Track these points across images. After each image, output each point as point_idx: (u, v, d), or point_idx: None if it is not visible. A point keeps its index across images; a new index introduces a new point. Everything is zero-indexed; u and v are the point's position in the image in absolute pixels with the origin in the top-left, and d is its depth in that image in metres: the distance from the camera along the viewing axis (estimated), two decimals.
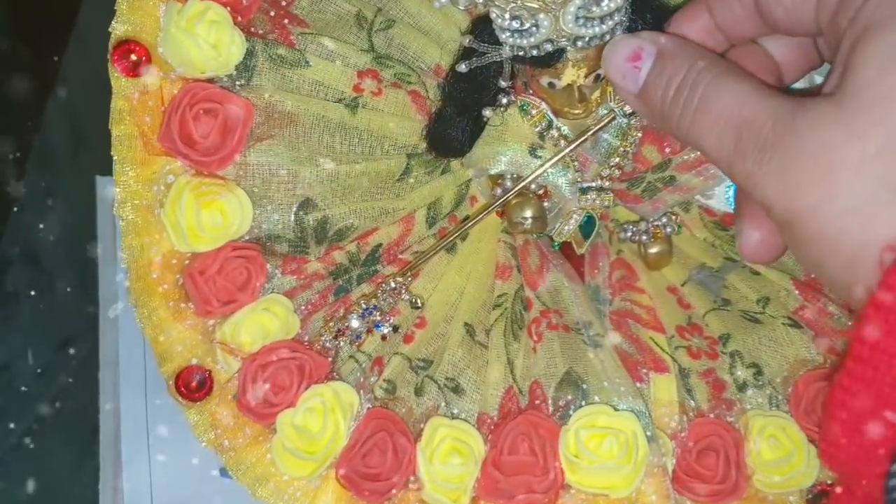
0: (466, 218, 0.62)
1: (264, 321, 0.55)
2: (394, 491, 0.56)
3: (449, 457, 0.56)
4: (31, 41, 0.84)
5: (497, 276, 0.61)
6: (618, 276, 0.63)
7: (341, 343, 0.58)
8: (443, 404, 0.58)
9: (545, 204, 0.60)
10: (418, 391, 0.58)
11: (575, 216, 0.62)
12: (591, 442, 0.56)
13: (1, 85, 0.79)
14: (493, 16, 0.51)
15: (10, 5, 0.87)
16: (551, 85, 0.56)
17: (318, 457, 0.55)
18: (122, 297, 0.71)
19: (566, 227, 0.62)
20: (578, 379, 0.58)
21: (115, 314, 0.72)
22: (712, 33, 0.47)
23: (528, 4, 0.50)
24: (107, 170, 0.55)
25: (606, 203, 0.61)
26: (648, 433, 0.56)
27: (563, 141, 0.58)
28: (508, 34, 0.51)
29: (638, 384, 0.58)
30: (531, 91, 0.58)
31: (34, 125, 0.82)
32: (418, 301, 0.60)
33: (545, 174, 0.58)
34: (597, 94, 0.56)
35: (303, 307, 0.58)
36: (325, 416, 0.55)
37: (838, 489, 0.39)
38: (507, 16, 0.50)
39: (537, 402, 0.58)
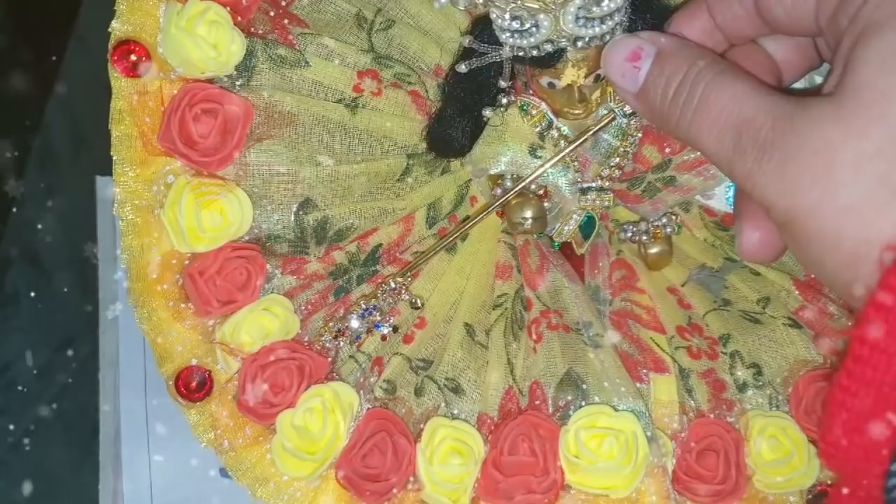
0: (466, 218, 0.62)
1: (264, 321, 0.55)
2: (394, 491, 0.56)
3: (449, 457, 0.56)
4: (31, 41, 0.84)
5: (497, 276, 0.61)
6: (618, 276, 0.63)
7: (341, 343, 0.58)
8: (443, 405, 0.58)
9: (545, 204, 0.60)
10: (418, 391, 0.58)
11: (575, 216, 0.62)
12: (591, 442, 0.56)
13: (1, 85, 0.79)
14: (493, 16, 0.51)
15: (10, 5, 0.87)
16: (551, 85, 0.56)
17: (318, 457, 0.55)
18: (122, 297, 0.71)
19: (566, 228, 0.62)
20: (578, 379, 0.58)
21: (113, 315, 0.72)
22: (712, 33, 0.47)
23: (528, 5, 0.50)
24: (107, 170, 0.54)
25: (606, 203, 0.61)
26: (648, 433, 0.56)
27: (563, 141, 0.58)
28: (508, 34, 0.51)
29: (638, 384, 0.58)
30: (531, 91, 0.58)
31: (34, 125, 0.82)
32: (418, 301, 0.60)
33: (545, 174, 0.58)
34: (597, 94, 0.56)
35: (303, 307, 0.58)
36: (325, 416, 0.55)
37: (843, 490, 0.39)
38: (507, 16, 0.50)
39: (537, 402, 0.57)
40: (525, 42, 0.51)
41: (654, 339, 0.60)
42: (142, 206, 0.54)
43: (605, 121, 0.56)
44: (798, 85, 0.50)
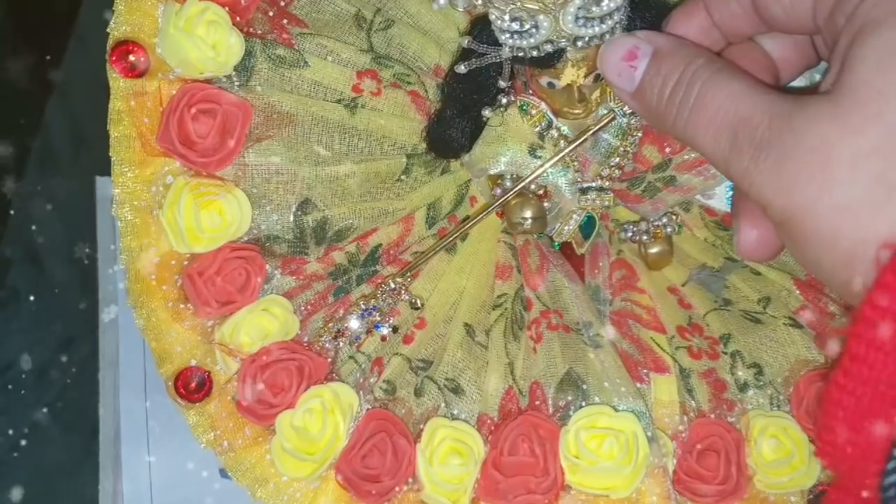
0: (466, 218, 0.62)
1: (263, 322, 0.55)
2: (395, 491, 0.56)
3: (449, 457, 0.55)
4: (31, 41, 0.84)
5: (497, 276, 0.61)
6: (618, 276, 0.63)
7: (341, 344, 0.58)
8: (442, 405, 0.58)
9: (545, 204, 0.60)
10: (418, 392, 0.58)
11: (575, 216, 0.62)
12: (591, 442, 0.55)
13: (1, 84, 0.79)
14: (492, 17, 0.51)
15: (10, 5, 0.87)
16: (551, 85, 0.56)
17: (318, 458, 0.55)
18: (122, 298, 0.71)
19: (566, 228, 0.62)
20: (579, 379, 0.58)
21: (110, 317, 0.72)
22: (709, 31, 0.47)
23: (528, 6, 0.50)
24: (107, 170, 0.54)
25: (607, 203, 0.61)
26: (649, 434, 0.56)
27: (562, 141, 0.58)
28: (508, 35, 0.51)
29: (638, 384, 0.58)
30: (531, 91, 0.58)
31: (34, 125, 0.82)
32: (418, 301, 0.59)
33: (545, 174, 0.58)
34: (596, 94, 0.56)
35: (302, 308, 0.57)
36: (325, 416, 0.55)
37: (840, 488, 0.39)
38: (506, 17, 0.50)
39: (537, 402, 0.57)
40: (525, 43, 0.51)
41: (655, 339, 0.60)
42: (141, 207, 0.54)
43: (605, 120, 0.56)
44: (798, 83, 0.50)
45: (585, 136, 0.56)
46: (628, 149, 0.59)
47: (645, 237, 0.63)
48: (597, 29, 0.50)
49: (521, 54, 0.52)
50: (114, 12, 0.53)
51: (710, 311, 0.61)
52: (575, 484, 0.56)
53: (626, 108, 0.56)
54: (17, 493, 0.70)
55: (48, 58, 0.82)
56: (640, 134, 0.59)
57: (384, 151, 0.58)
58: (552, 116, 0.58)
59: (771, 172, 0.38)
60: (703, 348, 0.60)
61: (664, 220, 0.62)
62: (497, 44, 0.52)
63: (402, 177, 0.58)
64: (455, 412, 0.58)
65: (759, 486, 0.58)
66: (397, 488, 0.56)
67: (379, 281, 0.59)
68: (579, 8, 0.49)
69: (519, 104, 0.58)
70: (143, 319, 0.55)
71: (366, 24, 0.57)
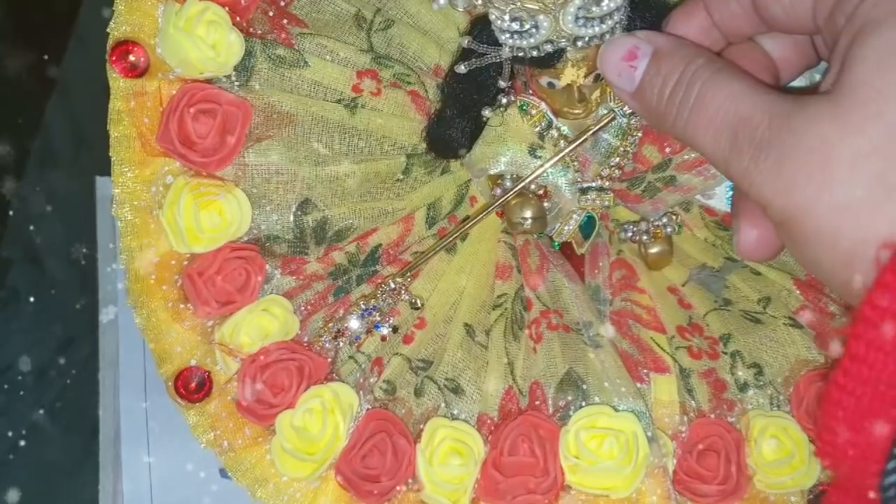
0: (466, 218, 0.62)
1: (263, 322, 0.55)
2: (395, 491, 0.56)
3: (449, 458, 0.55)
4: (31, 41, 0.84)
5: (497, 276, 0.61)
6: (618, 276, 0.63)
7: (341, 344, 0.58)
8: (442, 405, 0.58)
9: (545, 204, 0.60)
10: (418, 392, 0.58)
11: (575, 216, 0.62)
12: (591, 443, 0.55)
13: (1, 85, 0.79)
14: (492, 17, 0.51)
15: (10, 5, 0.87)
16: (551, 85, 0.56)
17: (318, 458, 0.55)
18: (122, 298, 0.71)
19: (566, 228, 0.62)
20: (579, 379, 0.58)
21: (110, 317, 0.72)
22: (709, 31, 0.47)
23: (528, 6, 0.50)
24: (107, 170, 0.54)
25: (607, 203, 0.61)
26: (649, 434, 0.56)
27: (562, 141, 0.58)
28: (508, 35, 0.51)
29: (638, 384, 0.58)
30: (531, 91, 0.58)
31: (34, 125, 0.82)
32: (418, 301, 0.59)
33: (545, 174, 0.58)
34: (596, 93, 0.56)
35: (302, 308, 0.57)
36: (325, 417, 0.55)
37: (840, 488, 0.39)
38: (506, 17, 0.50)
39: (537, 402, 0.57)
40: (525, 43, 0.51)
41: (655, 339, 0.60)
42: (140, 207, 0.54)
43: (605, 120, 0.56)
44: (798, 82, 0.50)
45: (585, 136, 0.56)
46: (628, 149, 0.59)
47: (645, 237, 0.63)
48: (597, 29, 0.50)
49: (521, 54, 0.52)
50: (113, 12, 0.53)
51: (710, 311, 0.61)
52: (575, 484, 0.56)
53: (626, 108, 0.56)
54: (17, 494, 0.70)
55: (48, 57, 0.82)
56: (640, 134, 0.59)
57: (384, 151, 0.58)
58: (552, 116, 0.58)
59: (771, 172, 0.38)
60: (704, 348, 0.60)
61: (664, 220, 0.62)
62: (497, 44, 0.52)
63: (402, 177, 0.58)
64: (455, 412, 0.57)
65: (759, 487, 0.57)
66: (397, 488, 0.56)
67: (379, 281, 0.59)
68: (579, 8, 0.49)
69: (519, 104, 0.58)
70: (142, 319, 0.55)
71: (366, 24, 0.57)
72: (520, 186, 0.58)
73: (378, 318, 0.58)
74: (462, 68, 0.54)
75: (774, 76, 0.46)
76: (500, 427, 0.56)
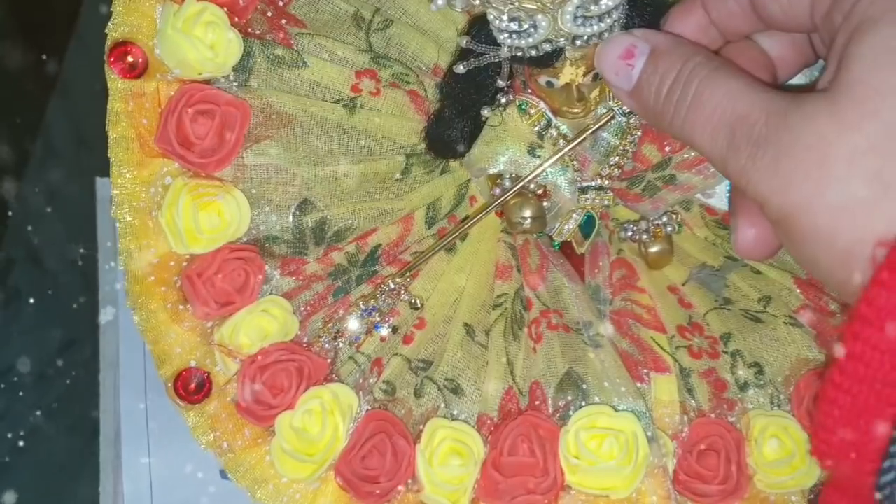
0: (466, 218, 0.62)
1: (263, 323, 0.55)
2: (395, 491, 0.56)
3: (448, 458, 0.55)
4: (31, 41, 0.84)
5: (497, 276, 0.61)
6: (618, 275, 0.62)
7: (340, 344, 0.58)
8: (442, 405, 0.57)
9: (544, 203, 0.60)
10: (418, 392, 0.58)
11: (574, 215, 0.62)
12: (591, 443, 0.55)
13: (1, 85, 0.79)
14: (490, 17, 0.51)
15: (10, 6, 0.87)
16: (550, 84, 0.55)
17: (317, 459, 0.55)
18: (122, 299, 0.71)
19: (566, 227, 0.62)
20: (579, 379, 0.58)
21: (111, 318, 0.72)
22: (707, 29, 0.46)
23: (526, 5, 0.49)
24: (107, 171, 0.54)
25: (606, 202, 0.61)
26: (649, 433, 0.56)
27: (561, 140, 0.58)
28: (506, 35, 0.51)
29: (638, 384, 0.58)
30: (529, 90, 0.57)
31: (34, 125, 0.82)
32: (417, 302, 0.59)
33: (544, 173, 0.58)
34: (595, 92, 0.56)
35: (302, 308, 0.57)
36: (324, 417, 0.55)
37: (835, 487, 0.39)
38: (504, 17, 0.50)
39: (537, 402, 0.57)
40: (523, 42, 0.51)
41: (655, 339, 0.60)
42: (139, 208, 0.54)
43: (604, 119, 0.56)
44: (798, 80, 0.49)
45: (584, 135, 0.56)
46: (628, 147, 0.59)
47: (645, 236, 0.62)
48: (595, 27, 0.50)
49: (519, 54, 0.52)
50: (111, 13, 0.53)
51: (711, 310, 0.61)
52: (575, 484, 0.56)
53: (625, 107, 0.56)
54: (17, 495, 0.70)
55: (48, 57, 0.82)
56: (639, 133, 0.59)
57: (383, 151, 0.58)
58: (551, 115, 0.57)
59: (768, 170, 0.38)
60: (704, 348, 0.60)
61: (664, 218, 0.62)
62: (496, 43, 0.52)
63: (402, 177, 0.58)
64: (455, 412, 0.57)
65: (759, 486, 0.57)
66: (397, 489, 0.56)
67: (378, 281, 0.59)
68: (577, 7, 0.49)
69: (518, 103, 0.58)
70: (142, 321, 0.55)
71: (364, 24, 0.57)
72: (519, 186, 0.58)
73: (377, 319, 0.58)
74: (461, 68, 0.53)
75: (772, 74, 0.46)
76: (500, 427, 0.56)
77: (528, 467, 0.55)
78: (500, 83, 0.55)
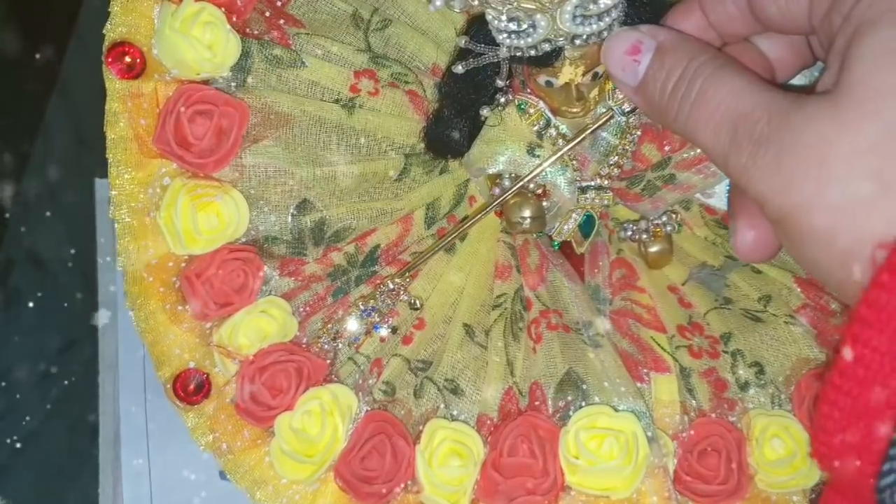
0: (465, 218, 0.61)
1: (262, 324, 0.55)
2: (394, 492, 0.56)
3: (448, 459, 0.55)
4: (31, 41, 0.84)
5: (496, 276, 0.61)
6: (618, 275, 0.62)
7: (340, 345, 0.58)
8: (442, 406, 0.57)
9: (544, 203, 0.60)
10: (417, 393, 0.58)
11: (574, 215, 0.61)
12: (591, 443, 0.55)
13: (1, 85, 0.79)
14: (489, 17, 0.50)
15: (10, 6, 0.87)
16: (549, 84, 0.55)
17: (317, 460, 0.55)
18: (121, 300, 0.71)
19: (565, 227, 0.62)
20: (578, 379, 0.57)
21: (108, 320, 0.72)
22: (705, 31, 0.46)
23: (525, 5, 0.49)
24: (107, 172, 0.54)
25: (606, 202, 0.61)
26: (649, 433, 0.56)
27: (561, 140, 0.58)
28: (505, 35, 0.51)
29: (639, 384, 0.58)
30: (529, 90, 0.57)
31: (34, 126, 0.82)
32: (417, 302, 0.59)
33: (544, 173, 0.58)
34: (595, 92, 0.56)
35: (301, 309, 0.57)
36: (324, 418, 0.55)
37: (835, 490, 0.39)
38: (503, 17, 0.50)
39: (537, 402, 0.57)
40: (522, 42, 0.51)
41: (655, 339, 0.60)
42: (138, 209, 0.54)
43: (604, 119, 0.56)
44: (799, 80, 0.49)
45: (584, 135, 0.56)
46: (627, 147, 0.59)
47: (645, 236, 0.62)
48: (594, 27, 0.50)
49: (518, 53, 0.52)
50: (109, 14, 0.53)
51: (711, 309, 0.61)
52: (575, 485, 0.56)
53: (624, 107, 0.56)
54: (16, 496, 0.70)
55: (49, 57, 0.82)
56: (638, 132, 0.59)
57: (382, 151, 0.58)
58: (550, 115, 0.57)
59: (769, 169, 0.38)
60: (704, 347, 0.60)
61: (664, 218, 0.62)
62: (494, 43, 0.52)
63: (401, 177, 0.58)
64: (454, 413, 0.57)
65: (760, 486, 0.57)
66: (397, 490, 0.56)
67: (378, 281, 0.59)
68: (576, 6, 0.49)
69: (517, 103, 0.58)
70: (140, 322, 0.55)
71: (363, 24, 0.57)
72: (518, 185, 0.58)
73: (377, 319, 0.58)
74: (459, 68, 0.53)
75: (770, 76, 0.46)
76: (500, 428, 0.56)
77: (528, 468, 0.55)
78: (499, 83, 0.55)
